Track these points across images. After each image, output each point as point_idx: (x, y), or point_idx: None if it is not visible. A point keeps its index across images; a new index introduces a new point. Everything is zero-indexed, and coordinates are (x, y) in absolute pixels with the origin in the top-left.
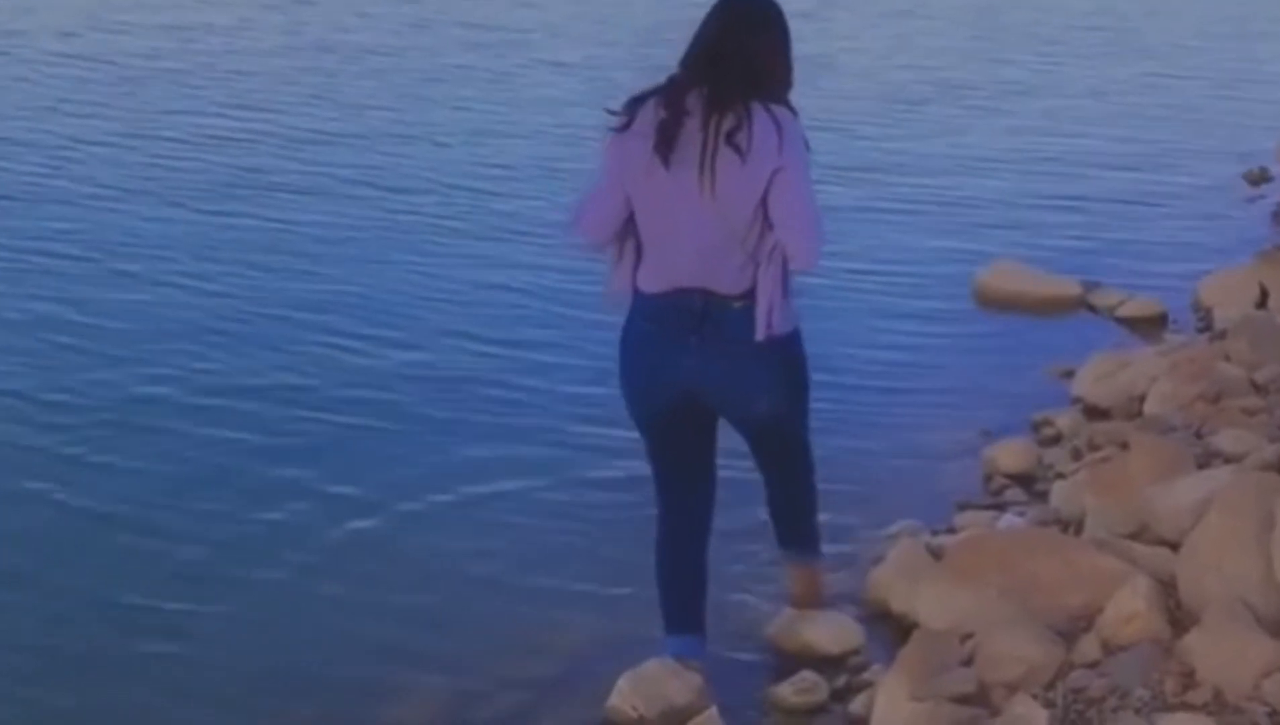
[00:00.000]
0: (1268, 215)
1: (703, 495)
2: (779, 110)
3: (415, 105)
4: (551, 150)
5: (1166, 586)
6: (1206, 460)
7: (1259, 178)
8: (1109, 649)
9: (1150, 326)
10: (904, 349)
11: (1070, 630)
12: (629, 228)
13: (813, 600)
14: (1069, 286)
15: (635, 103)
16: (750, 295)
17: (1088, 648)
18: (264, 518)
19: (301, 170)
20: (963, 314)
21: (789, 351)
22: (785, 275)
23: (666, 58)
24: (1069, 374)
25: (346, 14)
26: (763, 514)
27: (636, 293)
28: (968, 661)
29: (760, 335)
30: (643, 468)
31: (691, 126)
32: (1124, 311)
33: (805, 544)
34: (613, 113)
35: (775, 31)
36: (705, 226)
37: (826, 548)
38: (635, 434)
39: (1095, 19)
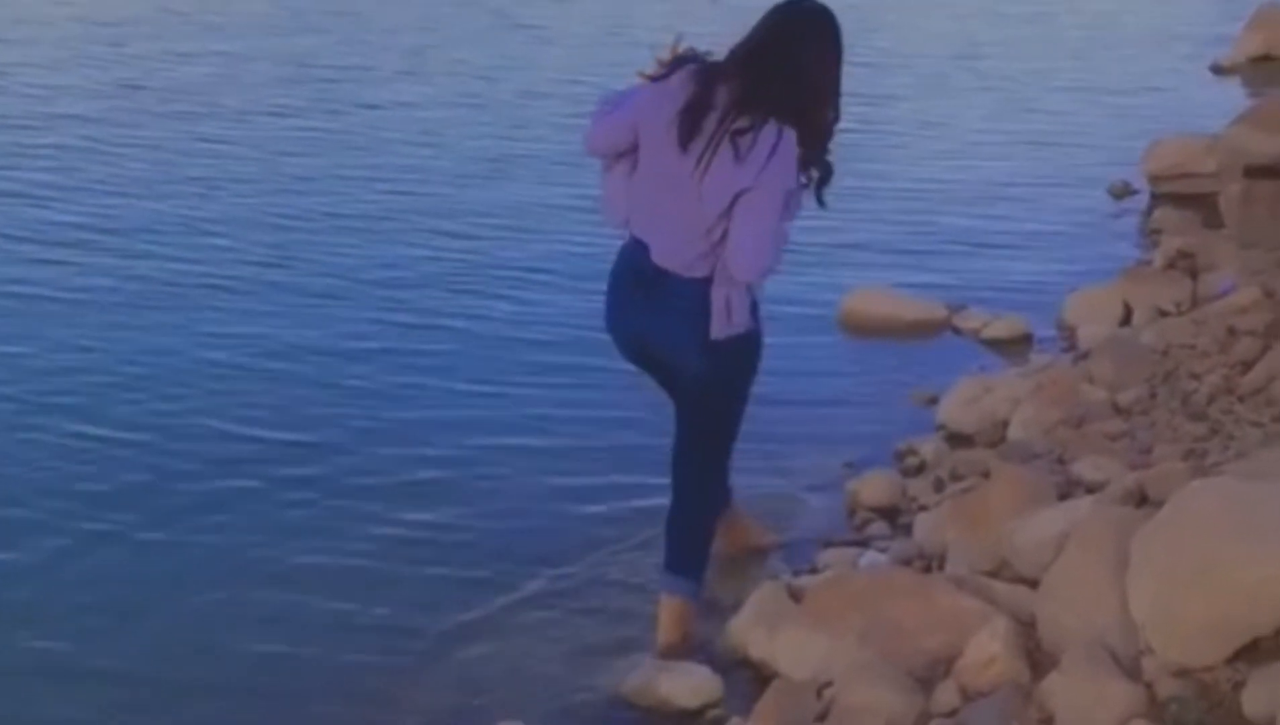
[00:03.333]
0: (1133, 230)
1: None
2: (788, 132)
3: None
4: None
5: (1026, 627)
6: (1068, 489)
7: (1123, 192)
8: (968, 695)
9: (1016, 347)
10: (767, 378)
11: (930, 676)
12: (626, 153)
13: (679, 644)
14: (934, 309)
15: (679, 62)
16: (700, 279)
17: (946, 695)
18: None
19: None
20: (827, 341)
21: (735, 338)
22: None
23: (486, 92)
24: (934, 400)
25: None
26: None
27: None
28: (824, 714)
29: (717, 332)
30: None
31: (712, 119)
32: (989, 333)
33: (688, 571)
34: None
35: (826, 44)
36: (686, 210)
37: None
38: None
39: (947, 44)
